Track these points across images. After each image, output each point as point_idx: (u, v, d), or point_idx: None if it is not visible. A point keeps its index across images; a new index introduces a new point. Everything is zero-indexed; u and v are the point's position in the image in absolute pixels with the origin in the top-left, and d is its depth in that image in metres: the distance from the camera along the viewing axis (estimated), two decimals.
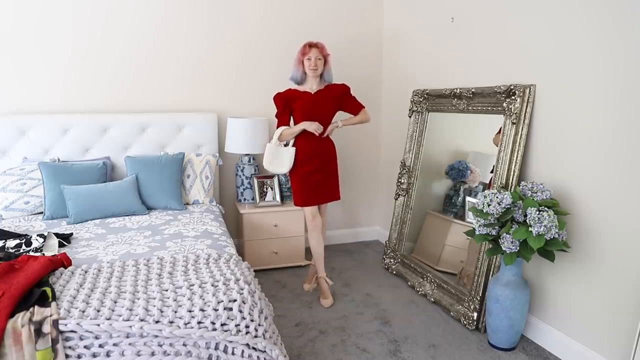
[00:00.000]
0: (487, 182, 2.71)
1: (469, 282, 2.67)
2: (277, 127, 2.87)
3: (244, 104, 3.66)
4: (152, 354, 1.61)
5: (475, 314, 2.55)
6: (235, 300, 1.73)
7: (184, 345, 1.65)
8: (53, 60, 3.21)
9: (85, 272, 1.95)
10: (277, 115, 2.91)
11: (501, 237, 2.19)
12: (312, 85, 2.87)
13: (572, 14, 2.18)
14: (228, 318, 1.69)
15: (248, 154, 3.53)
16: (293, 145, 2.86)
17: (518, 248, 2.15)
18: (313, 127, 2.78)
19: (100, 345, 1.59)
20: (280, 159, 2.85)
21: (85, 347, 1.58)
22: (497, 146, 2.60)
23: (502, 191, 2.26)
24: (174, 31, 3.43)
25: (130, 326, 1.58)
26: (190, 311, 1.67)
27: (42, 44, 3.17)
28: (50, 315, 1.58)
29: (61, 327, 1.56)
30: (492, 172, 2.69)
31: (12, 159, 3.09)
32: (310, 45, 2.80)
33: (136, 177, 3.00)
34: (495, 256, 2.52)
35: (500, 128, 2.58)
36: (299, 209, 3.42)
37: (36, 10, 3.13)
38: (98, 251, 2.24)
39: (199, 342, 1.66)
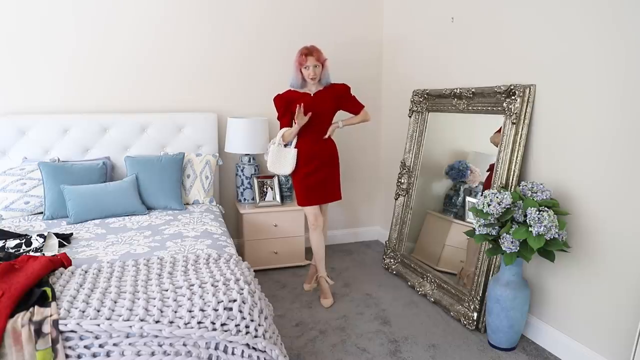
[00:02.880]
0: (484, 181, 2.71)
1: (469, 282, 2.67)
2: (280, 129, 2.88)
3: (244, 104, 3.66)
4: (152, 354, 1.61)
5: (475, 314, 2.55)
6: (235, 300, 1.73)
7: (184, 345, 1.65)
8: (54, 61, 3.21)
9: (85, 272, 1.95)
10: (278, 118, 2.92)
11: (501, 237, 2.19)
12: (311, 87, 2.87)
13: (573, 14, 2.18)
14: (228, 318, 1.69)
15: (248, 154, 3.53)
16: (295, 147, 2.86)
17: (518, 248, 2.15)
18: (298, 118, 2.74)
19: (100, 345, 1.58)
20: (283, 160, 2.86)
21: (85, 347, 1.58)
22: (495, 145, 2.60)
23: (502, 191, 2.26)
24: (175, 31, 3.43)
25: (130, 326, 1.58)
26: (190, 311, 1.67)
27: (43, 44, 3.17)
28: (50, 315, 1.58)
29: (61, 327, 1.56)
30: (488, 170, 2.69)
31: (12, 159, 3.09)
32: (307, 54, 2.75)
33: (136, 177, 3.00)
34: (495, 256, 2.52)
35: (501, 127, 2.58)
36: (299, 209, 3.42)
37: (38, 11, 3.13)
38: (98, 251, 2.24)
39: (199, 342, 1.66)
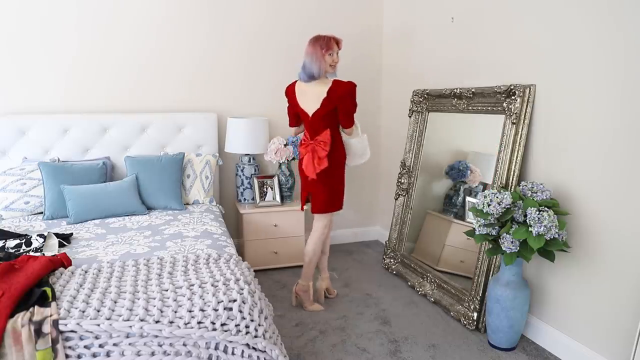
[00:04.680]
0: (489, 181, 2.71)
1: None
2: (354, 119, 2.69)
3: (244, 104, 3.66)
4: (152, 354, 1.61)
5: (475, 314, 2.55)
6: (235, 300, 1.73)
7: (184, 345, 1.65)
8: (55, 61, 3.21)
9: (85, 272, 1.95)
10: (355, 110, 2.67)
11: (501, 237, 2.19)
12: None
13: (573, 14, 2.18)
14: (228, 318, 1.69)
15: (248, 154, 3.53)
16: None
17: (518, 248, 2.16)
18: None
19: (100, 345, 1.59)
20: (365, 150, 2.79)
21: (85, 347, 1.58)
22: None
23: (502, 191, 2.26)
24: (175, 32, 3.43)
25: (130, 326, 1.58)
26: (190, 311, 1.67)
27: (44, 44, 3.17)
28: (50, 315, 1.58)
29: (61, 327, 1.56)
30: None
31: (12, 159, 3.09)
32: (336, 40, 2.64)
33: (136, 177, 3.00)
34: (495, 256, 2.52)
35: None
36: (299, 209, 3.44)
37: (39, 10, 3.13)
38: (98, 251, 2.24)
39: (199, 342, 1.66)
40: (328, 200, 2.70)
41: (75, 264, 2.05)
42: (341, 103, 2.58)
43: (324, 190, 2.68)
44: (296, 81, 2.75)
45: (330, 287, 2.98)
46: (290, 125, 2.90)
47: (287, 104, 2.84)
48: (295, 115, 2.82)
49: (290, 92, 2.77)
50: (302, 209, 2.94)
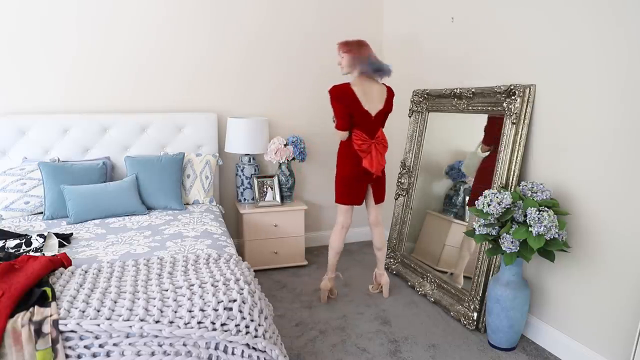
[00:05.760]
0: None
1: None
2: None
3: (244, 104, 3.66)
4: (152, 354, 1.61)
5: (475, 314, 2.55)
6: (235, 300, 1.73)
7: (184, 345, 1.65)
8: (55, 61, 3.21)
9: (85, 272, 1.95)
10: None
11: (501, 237, 2.19)
12: None
13: (573, 13, 2.18)
14: (228, 318, 1.69)
15: (248, 154, 3.53)
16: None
17: (518, 248, 2.16)
18: None
19: (100, 345, 1.59)
20: None
21: (85, 347, 1.58)
22: (482, 152, 2.74)
23: (502, 191, 2.26)
24: (175, 32, 3.43)
25: (130, 326, 1.58)
26: (190, 311, 1.67)
27: (44, 44, 3.17)
28: (50, 315, 1.58)
29: (61, 327, 1.56)
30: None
31: (12, 159, 3.09)
32: None
33: (136, 177, 3.00)
34: (495, 256, 2.52)
35: (484, 138, 2.69)
36: (299, 209, 3.45)
37: (39, 10, 3.13)
38: (98, 251, 2.24)
39: (199, 342, 1.66)
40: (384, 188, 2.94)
41: (75, 264, 2.05)
42: (391, 103, 2.81)
43: (383, 181, 2.90)
44: (348, 83, 2.66)
45: (333, 288, 2.98)
46: (346, 128, 2.68)
47: (340, 106, 2.64)
48: (350, 116, 2.66)
49: (348, 93, 2.62)
50: (361, 203, 2.89)
